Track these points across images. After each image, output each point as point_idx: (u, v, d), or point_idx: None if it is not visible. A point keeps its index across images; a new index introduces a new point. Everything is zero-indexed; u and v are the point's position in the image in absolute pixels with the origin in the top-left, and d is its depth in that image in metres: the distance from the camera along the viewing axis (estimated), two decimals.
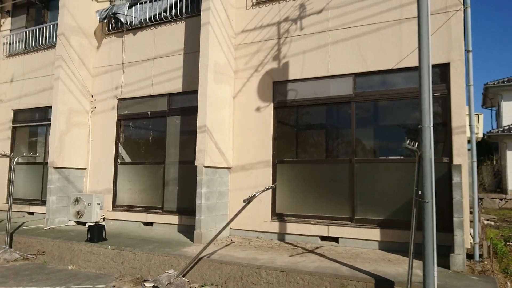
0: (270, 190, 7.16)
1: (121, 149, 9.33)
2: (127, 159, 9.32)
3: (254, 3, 7.88)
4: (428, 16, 4.10)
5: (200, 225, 6.89)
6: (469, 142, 6.11)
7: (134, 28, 9.19)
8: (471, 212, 6.10)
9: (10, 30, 11.68)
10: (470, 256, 5.67)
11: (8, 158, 10.55)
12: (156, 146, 8.91)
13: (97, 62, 9.75)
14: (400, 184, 6.42)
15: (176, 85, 8.46)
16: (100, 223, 7.98)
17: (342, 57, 6.93)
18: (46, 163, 9.36)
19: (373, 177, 6.66)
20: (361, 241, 6.47)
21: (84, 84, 9.52)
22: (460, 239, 5.08)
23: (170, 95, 8.62)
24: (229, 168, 7.74)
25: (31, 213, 10.38)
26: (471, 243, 5.84)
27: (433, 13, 5.98)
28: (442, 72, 6.19)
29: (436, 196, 4.07)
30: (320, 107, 7.32)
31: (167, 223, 8.28)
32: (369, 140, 6.96)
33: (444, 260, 5.10)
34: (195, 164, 7.07)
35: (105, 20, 9.42)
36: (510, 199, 17.84)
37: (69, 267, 6.72)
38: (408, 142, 4.13)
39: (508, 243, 8.18)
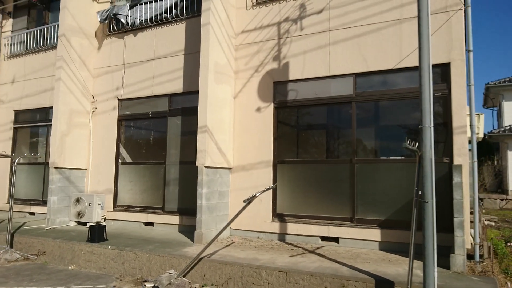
0: (271, 190, 7.16)
1: (122, 150, 9.34)
2: (128, 159, 9.33)
3: (255, 4, 7.88)
4: (428, 16, 4.10)
5: (201, 225, 6.89)
6: (470, 142, 6.11)
7: (135, 28, 9.20)
8: (471, 213, 6.09)
9: (12, 31, 11.71)
10: (470, 256, 5.66)
11: (9, 159, 10.57)
12: (157, 146, 8.92)
13: (98, 63, 9.77)
14: (400, 184, 6.41)
15: (177, 86, 8.47)
16: (101, 223, 7.98)
17: (342, 57, 6.93)
18: (47, 163, 9.39)
19: (373, 177, 6.66)
20: (361, 242, 6.47)
21: (85, 84, 9.54)
22: (460, 239, 5.07)
23: (171, 95, 8.63)
24: (230, 168, 7.74)
25: (32, 214, 10.39)
26: (471, 243, 5.83)
27: (433, 13, 5.98)
28: (442, 72, 6.19)
29: (436, 196, 4.07)
30: (321, 107, 7.31)
31: (168, 223, 8.29)
32: (369, 140, 6.96)
33: (444, 260, 5.09)
34: (196, 165, 7.07)
35: (106, 21, 9.44)
36: (511, 199, 17.81)
37: (69, 267, 6.73)
38: (408, 142, 4.12)
39: (508, 244, 8.16)
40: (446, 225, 5.70)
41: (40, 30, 10.91)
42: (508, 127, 19.72)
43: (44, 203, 9.93)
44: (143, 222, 8.65)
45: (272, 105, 7.53)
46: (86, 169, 9.53)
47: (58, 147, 8.90)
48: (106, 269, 6.43)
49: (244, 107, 7.80)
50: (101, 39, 9.81)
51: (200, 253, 5.61)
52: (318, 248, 6.44)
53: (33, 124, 10.90)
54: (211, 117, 7.18)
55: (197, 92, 7.38)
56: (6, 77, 11.48)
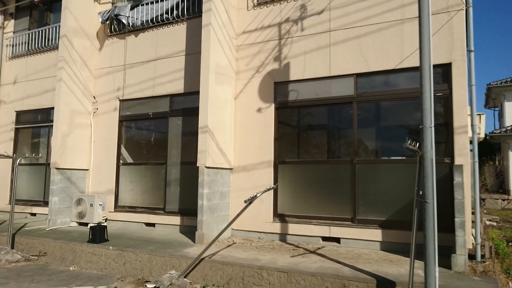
0: (272, 190, 7.16)
1: (123, 150, 9.35)
2: (129, 160, 9.34)
3: (255, 4, 7.89)
4: (429, 16, 4.10)
5: (202, 225, 6.89)
6: (471, 142, 6.10)
7: (136, 29, 9.22)
8: (473, 213, 6.08)
9: (13, 32, 11.74)
10: (472, 256, 5.64)
11: (11, 159, 10.59)
12: (158, 147, 8.93)
13: (99, 64, 9.78)
14: (402, 184, 6.41)
15: (178, 86, 8.48)
16: (102, 224, 7.99)
17: (343, 58, 6.93)
18: (49, 164, 9.40)
19: (374, 177, 6.65)
20: (362, 242, 6.46)
21: (86, 85, 9.56)
22: (461, 239, 5.06)
23: (172, 96, 8.64)
24: (231, 168, 7.75)
25: (34, 214, 10.41)
26: (473, 243, 5.82)
27: (434, 13, 5.98)
28: (444, 72, 6.19)
29: (438, 196, 4.06)
30: (322, 108, 7.31)
31: (169, 224, 8.29)
32: (370, 140, 6.96)
33: (445, 260, 5.09)
34: (197, 165, 7.08)
35: (107, 22, 9.46)
36: None
37: (71, 268, 6.73)
38: (409, 142, 4.12)
39: (510, 244, 8.14)
40: (447, 225, 5.69)
41: (42, 31, 10.94)
42: (510, 127, 19.68)
43: (46, 203, 9.93)
44: (144, 223, 8.66)
45: (273, 105, 7.53)
46: (87, 169, 9.54)
47: (59, 148, 8.92)
48: (107, 270, 6.44)
49: (245, 107, 7.80)
50: (103, 40, 9.83)
51: (201, 253, 5.61)
52: (319, 248, 6.44)
53: (35, 125, 10.92)
54: (212, 118, 7.19)
55: (198, 92, 7.39)
56: (8, 78, 11.51)
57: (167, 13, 8.71)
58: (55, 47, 10.34)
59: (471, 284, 4.48)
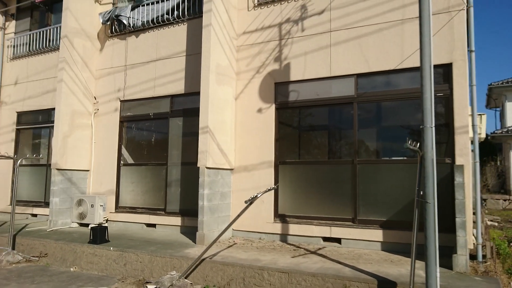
0: (273, 191, 7.16)
1: (123, 151, 9.36)
2: (129, 160, 9.34)
3: (256, 5, 7.89)
4: (430, 16, 4.10)
5: (203, 226, 6.89)
6: (472, 142, 6.09)
7: (137, 30, 9.23)
8: (474, 213, 6.07)
9: (15, 33, 11.76)
10: (473, 257, 5.63)
11: (11, 160, 10.60)
12: (158, 147, 8.93)
13: (100, 64, 9.79)
14: (403, 185, 6.40)
15: (178, 87, 8.48)
16: (103, 225, 8.00)
17: (344, 58, 6.93)
18: (50, 165, 9.41)
19: (375, 178, 6.64)
20: (363, 242, 6.45)
21: (87, 86, 9.57)
22: (462, 239, 5.05)
23: (173, 96, 8.64)
24: (231, 169, 7.74)
25: (35, 215, 10.41)
26: (474, 243, 5.81)
27: (435, 13, 5.97)
28: (444, 72, 6.18)
29: (439, 196, 4.06)
30: (322, 108, 7.31)
31: (169, 225, 8.29)
32: (371, 141, 6.95)
33: (447, 260, 5.08)
34: (197, 166, 7.07)
35: (108, 23, 9.47)
36: None
37: (71, 269, 6.73)
38: (409, 142, 4.12)
39: (511, 244, 8.12)
40: (448, 225, 5.68)
41: (43, 31, 10.95)
42: (511, 128, 19.65)
43: (47, 204, 9.94)
44: (145, 224, 8.66)
45: (273, 106, 7.53)
46: (88, 170, 9.55)
47: (60, 148, 8.93)
48: (108, 271, 6.43)
49: (245, 108, 7.80)
50: (103, 41, 9.84)
51: (201, 254, 5.61)
52: (320, 248, 6.43)
53: (36, 126, 10.93)
54: (213, 118, 7.19)
55: (198, 93, 7.39)
56: (9, 79, 11.53)
57: (167, 13, 8.71)
58: (56, 48, 10.35)
59: (472, 285, 4.47)
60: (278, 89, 7.56)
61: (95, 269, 6.57)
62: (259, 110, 7.64)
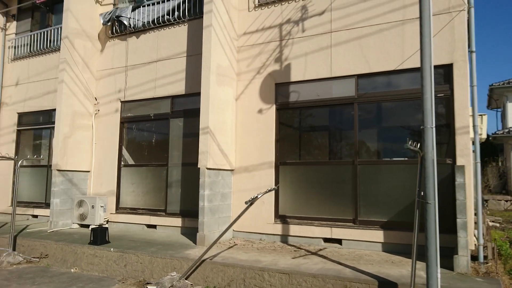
0: (273, 192, 7.15)
1: (124, 152, 9.36)
2: (130, 161, 9.34)
3: (257, 5, 7.89)
4: (430, 17, 4.09)
5: (203, 227, 6.88)
6: (473, 143, 6.07)
7: (138, 31, 9.23)
8: (475, 214, 6.05)
9: (16, 34, 11.79)
10: (474, 257, 5.62)
11: (12, 161, 10.61)
12: (159, 148, 8.93)
13: (101, 65, 9.80)
14: (403, 185, 6.38)
15: (179, 88, 8.48)
16: (104, 226, 7.99)
17: (344, 59, 6.92)
18: (50, 166, 9.42)
19: (376, 178, 6.63)
20: (364, 243, 6.44)
21: (87, 87, 9.57)
22: (463, 240, 5.04)
23: (173, 97, 8.64)
24: (232, 170, 7.74)
25: (35, 216, 10.41)
26: (475, 244, 5.80)
27: (436, 14, 5.96)
28: (445, 73, 6.17)
29: (440, 197, 4.05)
30: (323, 109, 7.30)
31: (170, 226, 8.28)
32: (372, 141, 6.94)
33: (448, 261, 5.07)
34: (198, 166, 7.07)
35: (109, 23, 9.48)
36: None
37: (72, 270, 6.73)
38: (410, 143, 4.11)
39: None
40: (449, 226, 5.66)
41: (44, 32, 10.97)
42: None
43: (47, 205, 9.95)
44: (145, 224, 8.65)
45: (274, 106, 7.52)
46: (88, 171, 9.55)
47: (60, 149, 8.93)
48: (109, 272, 6.43)
49: (246, 108, 7.79)
50: (104, 41, 9.85)
51: (202, 255, 5.60)
52: (320, 249, 6.42)
53: (37, 127, 10.94)
54: (213, 119, 7.18)
55: (199, 94, 7.39)
56: (10, 80, 11.55)
57: (168, 14, 8.72)
58: (57, 49, 10.36)
59: (474, 285, 4.46)
60: (279, 89, 7.56)
61: (95, 270, 6.57)
62: (260, 111, 7.63)
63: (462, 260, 4.99)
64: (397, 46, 6.51)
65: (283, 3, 7.57)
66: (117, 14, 9.27)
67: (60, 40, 9.63)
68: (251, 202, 5.47)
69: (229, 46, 7.75)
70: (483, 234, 5.89)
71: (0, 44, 11.76)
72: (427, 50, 4.06)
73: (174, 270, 5.76)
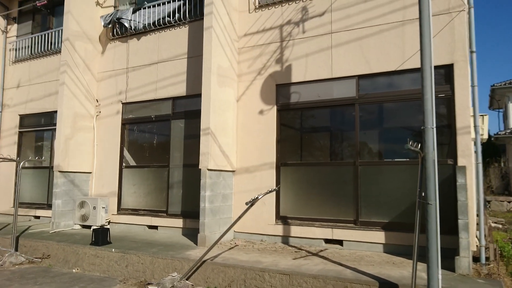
0: (274, 192, 7.15)
1: (125, 153, 9.38)
2: (131, 162, 9.36)
3: (257, 7, 7.90)
4: (429, 17, 4.09)
5: (204, 228, 6.89)
6: (475, 144, 6.06)
7: (138, 32, 9.25)
8: (477, 215, 6.03)
9: (16, 37, 11.83)
10: (476, 259, 5.60)
11: (14, 163, 10.65)
12: (160, 149, 8.94)
13: (102, 67, 9.83)
14: (405, 186, 6.37)
15: (180, 89, 8.49)
16: (105, 227, 8.01)
17: (345, 59, 6.92)
18: (52, 167, 9.44)
19: (377, 179, 6.62)
20: (365, 244, 6.43)
21: (88, 88, 9.60)
22: (465, 241, 5.02)
23: (174, 99, 8.65)
24: (233, 171, 7.74)
25: (37, 217, 10.44)
26: (477, 245, 5.77)
27: (436, 14, 5.96)
28: (446, 73, 6.16)
29: (441, 198, 4.05)
30: (324, 110, 7.30)
31: (171, 226, 8.29)
32: (373, 142, 6.93)
33: (449, 263, 5.05)
34: (199, 167, 7.08)
35: (110, 25, 9.51)
36: None
37: (73, 270, 6.75)
38: (410, 143, 4.10)
39: None
40: (451, 227, 5.64)
41: (45, 35, 11.01)
42: None
43: (49, 206, 9.97)
44: (147, 225, 8.66)
45: (275, 107, 7.53)
46: (90, 172, 9.57)
47: (62, 151, 8.96)
48: (110, 272, 6.44)
49: (247, 109, 7.80)
50: (105, 43, 9.87)
51: (203, 256, 5.61)
52: (321, 250, 6.41)
53: (38, 128, 10.97)
54: (214, 120, 7.19)
55: (200, 95, 7.40)
56: (11, 82, 11.59)
57: (169, 16, 8.74)
58: (58, 51, 10.40)
59: (475, 287, 4.44)
60: (280, 90, 7.56)
61: (97, 270, 6.58)
62: (261, 112, 7.64)
63: (464, 261, 4.98)
64: (398, 46, 6.51)
65: (283, 4, 7.58)
66: (117, 16, 9.30)
67: (61, 42, 9.66)
68: (251, 203, 5.47)
69: (229, 47, 7.76)
70: (485, 235, 5.87)
71: (1, 46, 11.81)
72: (427, 50, 4.06)
73: (175, 271, 5.77)
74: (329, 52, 7.07)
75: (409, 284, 4.31)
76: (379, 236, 6.33)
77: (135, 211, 8.97)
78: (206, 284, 5.53)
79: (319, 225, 6.89)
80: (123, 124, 9.36)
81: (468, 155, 5.79)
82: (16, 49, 11.67)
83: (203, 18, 7.61)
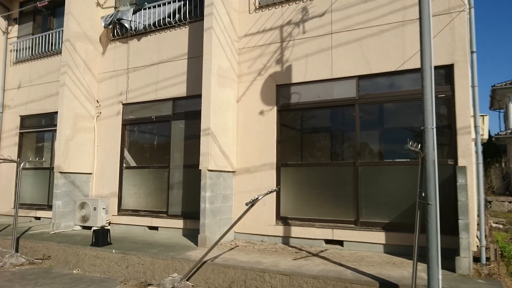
0: (274, 193, 7.15)
1: (126, 154, 9.38)
2: (132, 163, 9.36)
3: (257, 7, 7.91)
4: (429, 17, 4.09)
5: (204, 229, 6.88)
6: (475, 144, 6.06)
7: (139, 33, 9.26)
8: (478, 215, 6.02)
9: (17, 37, 11.85)
10: (476, 259, 5.59)
11: (15, 164, 10.65)
12: (161, 150, 8.94)
13: (102, 68, 9.83)
14: (405, 186, 6.36)
15: (180, 90, 8.50)
16: (105, 228, 8.01)
17: (345, 60, 6.92)
18: (53, 168, 9.44)
19: (377, 179, 6.62)
20: (366, 244, 6.42)
21: (89, 89, 9.61)
22: (465, 241, 5.02)
23: (175, 99, 8.66)
24: (233, 171, 7.74)
25: (38, 218, 10.45)
26: (477, 246, 5.77)
27: (436, 15, 5.96)
28: (446, 73, 6.16)
29: (442, 198, 4.05)
30: (324, 110, 7.30)
31: (172, 227, 8.29)
32: (373, 142, 6.93)
33: (450, 263, 5.04)
34: (199, 168, 7.08)
35: (110, 26, 9.52)
36: None
37: (74, 271, 6.75)
38: (410, 143, 4.10)
39: None
40: (451, 227, 5.64)
41: (45, 36, 11.03)
42: None
43: (50, 207, 9.98)
44: (147, 226, 8.66)
45: (275, 108, 7.53)
46: (90, 173, 9.58)
47: (63, 152, 8.96)
48: (110, 273, 6.44)
49: (247, 110, 7.80)
50: (105, 44, 9.88)
51: (203, 256, 5.61)
52: (322, 251, 6.41)
53: (39, 129, 10.99)
54: (215, 120, 7.20)
55: (200, 96, 7.40)
56: (12, 83, 11.61)
57: (169, 17, 8.75)
58: (59, 52, 10.41)
59: (476, 287, 4.44)
60: (280, 91, 7.56)
61: (97, 271, 6.58)
62: (261, 112, 7.64)
63: (464, 261, 4.97)
64: (398, 47, 6.51)
65: (283, 5, 7.58)
66: (118, 17, 9.31)
67: (62, 43, 9.68)
68: (251, 204, 5.47)
69: (230, 48, 7.77)
70: (485, 236, 5.87)
71: (2, 47, 11.83)
72: (427, 50, 4.06)
73: (176, 272, 5.77)
74: (329, 52, 7.07)
75: (410, 285, 4.31)
76: (380, 237, 6.33)
77: (135, 212, 8.97)
78: (206, 285, 5.53)
79: (320, 225, 6.89)
80: (123, 125, 9.36)
81: (469, 155, 5.79)
82: (17, 50, 11.69)
83: (203, 19, 7.62)
